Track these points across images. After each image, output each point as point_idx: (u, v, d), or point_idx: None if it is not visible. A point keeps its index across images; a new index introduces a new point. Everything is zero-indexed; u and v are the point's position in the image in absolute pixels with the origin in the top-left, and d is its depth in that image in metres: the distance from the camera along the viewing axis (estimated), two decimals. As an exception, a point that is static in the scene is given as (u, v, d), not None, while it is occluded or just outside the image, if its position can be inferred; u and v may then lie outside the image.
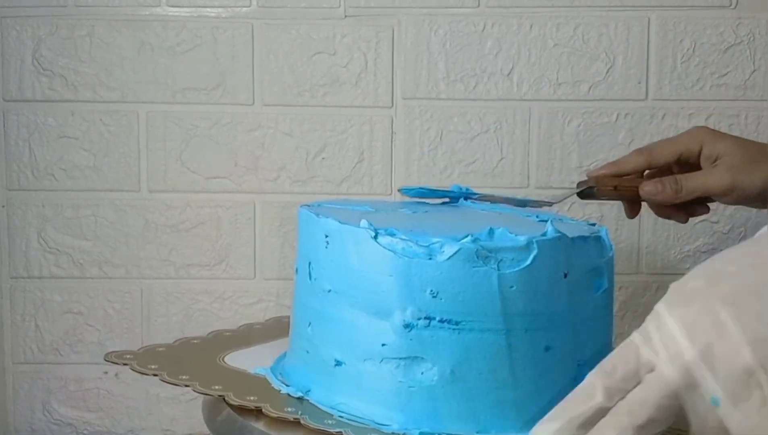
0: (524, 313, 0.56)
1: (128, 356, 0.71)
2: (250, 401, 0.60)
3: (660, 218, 0.98)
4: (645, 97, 0.96)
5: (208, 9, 0.97)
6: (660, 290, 0.99)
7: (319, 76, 0.97)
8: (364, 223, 0.57)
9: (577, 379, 0.44)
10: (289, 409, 0.59)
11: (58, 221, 0.99)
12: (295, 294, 0.65)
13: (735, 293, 0.40)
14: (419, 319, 0.55)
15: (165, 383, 0.66)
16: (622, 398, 0.40)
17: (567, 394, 0.42)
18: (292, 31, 0.97)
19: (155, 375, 0.67)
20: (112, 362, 0.70)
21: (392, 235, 0.56)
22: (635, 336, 0.41)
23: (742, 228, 0.99)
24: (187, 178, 0.98)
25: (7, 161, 0.98)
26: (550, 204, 0.77)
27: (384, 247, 0.56)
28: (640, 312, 0.99)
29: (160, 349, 0.74)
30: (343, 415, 0.58)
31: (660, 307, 0.41)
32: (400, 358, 0.56)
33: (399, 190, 0.71)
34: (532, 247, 0.55)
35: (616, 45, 0.96)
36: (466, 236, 0.55)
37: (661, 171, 0.75)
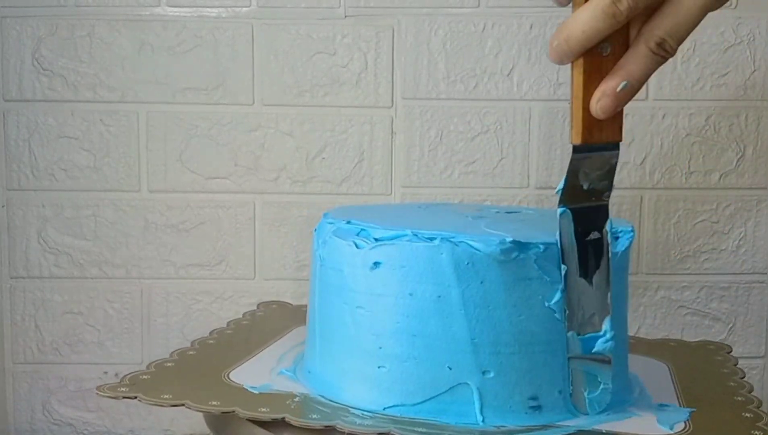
0: None
1: (123, 389, 0.63)
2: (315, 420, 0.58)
3: (660, 218, 0.99)
4: (645, 97, 0.96)
5: (208, 9, 0.97)
6: (660, 290, 0.99)
7: (319, 76, 0.97)
8: None
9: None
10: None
11: (58, 221, 0.99)
12: None
13: None
14: None
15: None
16: None
17: None
18: (292, 31, 0.97)
19: (177, 405, 0.61)
20: (109, 396, 0.62)
21: None
22: None
23: (743, 228, 0.99)
24: (187, 178, 0.98)
25: (7, 161, 0.98)
26: None
27: None
28: (640, 312, 0.99)
29: (144, 376, 0.66)
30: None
31: None
32: None
33: None
34: None
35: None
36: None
37: None
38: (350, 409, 0.60)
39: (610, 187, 0.57)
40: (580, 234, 0.58)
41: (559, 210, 0.57)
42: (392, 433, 0.56)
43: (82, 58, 0.97)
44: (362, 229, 0.62)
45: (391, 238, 0.60)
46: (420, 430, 0.57)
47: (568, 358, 0.59)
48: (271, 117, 0.98)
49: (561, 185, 0.56)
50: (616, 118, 0.53)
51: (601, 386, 0.60)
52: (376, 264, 0.60)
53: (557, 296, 0.58)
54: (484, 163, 0.98)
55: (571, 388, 0.60)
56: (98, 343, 1.01)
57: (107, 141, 0.98)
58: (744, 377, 0.73)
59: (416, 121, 0.98)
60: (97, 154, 0.98)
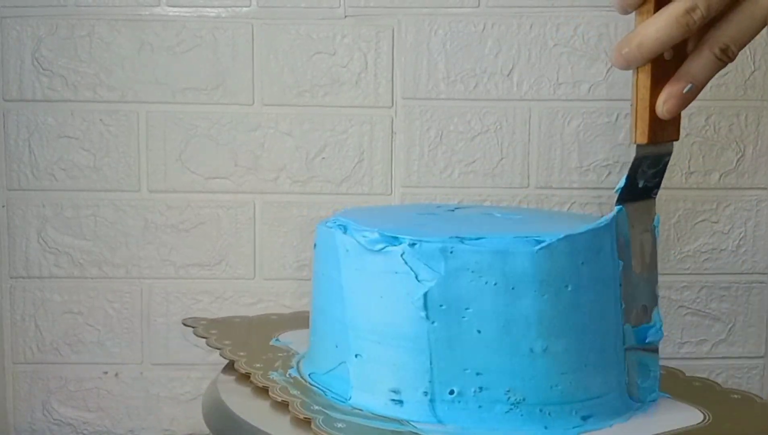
0: None
1: (203, 322, 0.82)
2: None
3: (660, 219, 0.99)
4: (645, 97, 0.96)
5: (208, 9, 0.97)
6: (660, 290, 0.99)
7: (319, 76, 0.97)
8: None
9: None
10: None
11: (58, 221, 0.99)
12: None
13: None
14: None
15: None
16: None
17: None
18: (292, 31, 0.97)
19: (203, 337, 0.78)
20: (188, 325, 0.82)
21: None
22: None
23: (743, 228, 0.99)
24: (187, 178, 0.98)
25: (7, 161, 0.98)
26: None
27: None
28: (640, 312, 0.99)
29: (237, 319, 0.85)
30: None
31: None
32: None
33: None
34: None
35: (615, 45, 0.96)
36: None
37: None
38: (291, 368, 0.69)
39: (659, 185, 0.60)
40: (632, 230, 0.60)
41: (616, 208, 0.59)
42: (270, 390, 0.63)
43: (82, 58, 0.97)
44: (338, 222, 0.67)
45: (324, 224, 0.66)
46: (295, 392, 0.63)
47: (625, 350, 0.60)
48: (271, 117, 0.98)
49: (621, 184, 0.58)
50: (676, 118, 0.56)
51: (651, 374, 0.62)
52: (315, 245, 0.68)
53: (419, 294, 0.58)
54: (484, 163, 0.98)
55: (627, 378, 0.61)
56: (98, 343, 1.01)
57: (107, 141, 0.98)
58: None
59: (416, 121, 0.98)
60: (97, 154, 0.98)
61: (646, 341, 0.61)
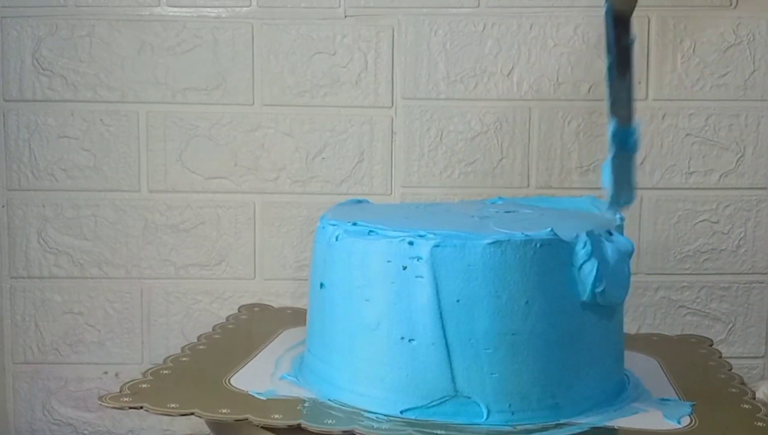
0: None
1: (126, 399, 0.63)
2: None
3: (660, 218, 0.99)
4: (645, 97, 0.96)
5: (208, 9, 0.97)
6: (660, 290, 0.99)
7: (319, 76, 0.97)
8: None
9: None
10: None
11: (58, 221, 0.99)
12: None
13: None
14: None
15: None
16: None
17: None
18: (292, 31, 0.97)
19: (185, 414, 0.61)
20: (108, 406, 0.62)
21: None
22: None
23: (743, 228, 0.99)
24: (187, 178, 0.98)
25: (7, 161, 0.98)
26: None
27: None
28: (640, 312, 0.99)
29: (144, 385, 0.66)
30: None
31: None
32: None
33: None
34: None
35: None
36: None
37: None
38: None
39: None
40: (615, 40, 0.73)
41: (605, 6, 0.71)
42: None
43: (82, 58, 0.97)
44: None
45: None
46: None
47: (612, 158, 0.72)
48: (271, 117, 0.98)
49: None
50: None
51: (632, 179, 0.73)
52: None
53: None
54: (484, 163, 0.98)
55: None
56: (98, 343, 1.01)
57: (107, 141, 0.98)
58: (731, 369, 0.76)
59: (416, 121, 0.98)
60: (97, 154, 0.98)
61: (628, 146, 0.72)
